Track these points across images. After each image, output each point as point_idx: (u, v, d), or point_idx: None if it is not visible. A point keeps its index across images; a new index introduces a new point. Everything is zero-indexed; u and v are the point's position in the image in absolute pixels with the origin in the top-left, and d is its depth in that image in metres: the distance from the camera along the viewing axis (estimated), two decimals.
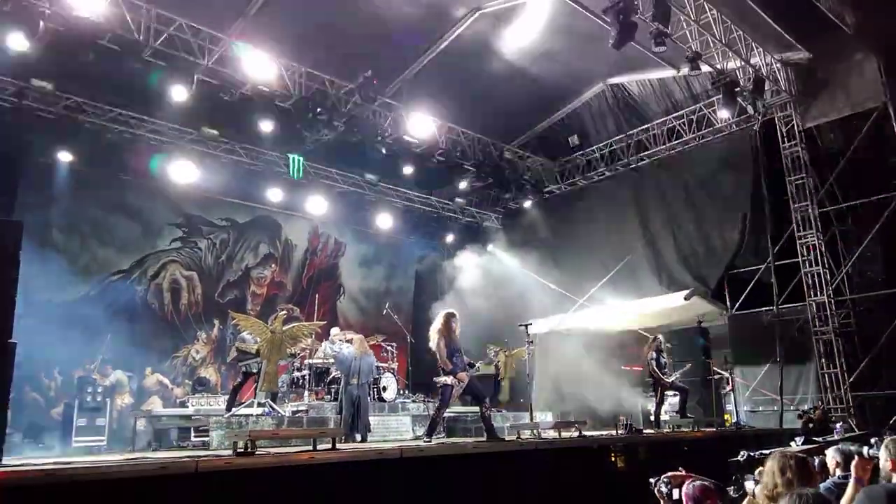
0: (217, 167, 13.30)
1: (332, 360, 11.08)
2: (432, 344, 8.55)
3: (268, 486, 5.64)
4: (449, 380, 8.50)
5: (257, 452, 6.25)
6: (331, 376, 11.04)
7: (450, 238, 16.05)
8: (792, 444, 9.76)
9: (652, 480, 4.24)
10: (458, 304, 15.17)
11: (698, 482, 3.77)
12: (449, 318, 8.66)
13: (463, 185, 14.39)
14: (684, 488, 3.75)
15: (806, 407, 11.30)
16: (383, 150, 12.50)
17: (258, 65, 10.62)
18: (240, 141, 13.59)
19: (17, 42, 8.76)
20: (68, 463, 5.96)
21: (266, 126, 11.21)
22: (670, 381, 11.12)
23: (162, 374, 12.79)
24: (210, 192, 13.92)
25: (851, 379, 11.45)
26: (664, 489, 4.06)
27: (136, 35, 9.75)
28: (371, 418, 9.93)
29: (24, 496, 4.47)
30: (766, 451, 5.59)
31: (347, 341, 11.31)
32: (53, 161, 11.89)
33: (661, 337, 11.44)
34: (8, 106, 11.12)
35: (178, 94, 10.32)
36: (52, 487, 4.60)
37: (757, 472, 4.31)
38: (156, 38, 9.99)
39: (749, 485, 4.37)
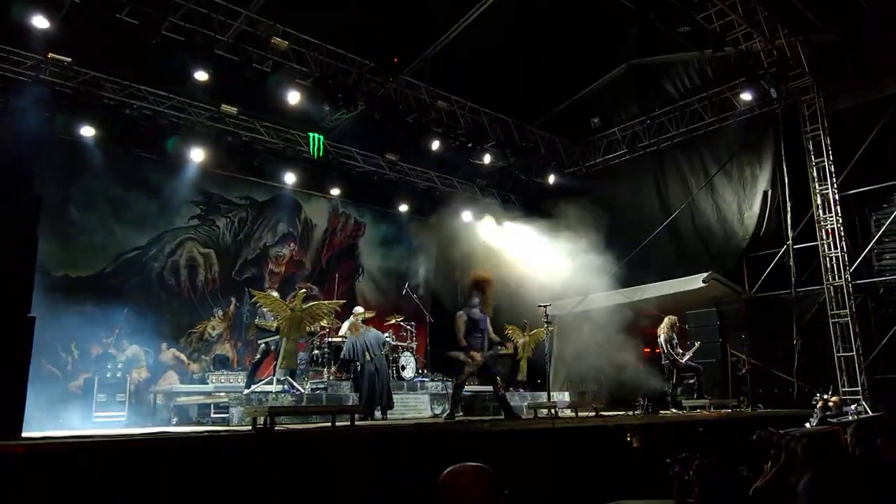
0: (237, 145, 13.30)
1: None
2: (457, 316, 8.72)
3: (287, 460, 5.70)
4: (461, 355, 8.50)
5: (276, 429, 6.32)
6: (342, 356, 11.09)
7: (470, 218, 16.02)
8: (806, 424, 9.80)
9: (669, 461, 4.26)
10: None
11: (706, 461, 3.79)
12: (471, 289, 8.74)
13: (484, 164, 14.34)
14: (694, 467, 3.77)
15: (821, 390, 11.27)
16: (404, 130, 12.44)
17: (278, 41, 10.58)
18: (260, 119, 13.60)
19: (40, 22, 8.86)
20: (89, 436, 6.03)
21: (293, 98, 11.18)
22: (683, 361, 11.14)
23: (178, 350, 12.91)
24: (229, 170, 13.94)
25: (867, 362, 11.42)
26: (678, 470, 4.09)
27: (155, 9, 9.70)
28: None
29: (46, 468, 4.52)
30: (782, 432, 5.60)
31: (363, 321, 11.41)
32: (72, 136, 11.93)
33: (672, 318, 11.42)
34: (26, 80, 11.12)
35: (198, 71, 10.33)
36: (74, 459, 4.65)
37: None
38: (174, 12, 9.95)
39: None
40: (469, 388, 12.69)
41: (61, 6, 9.24)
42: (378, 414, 9.62)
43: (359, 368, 9.70)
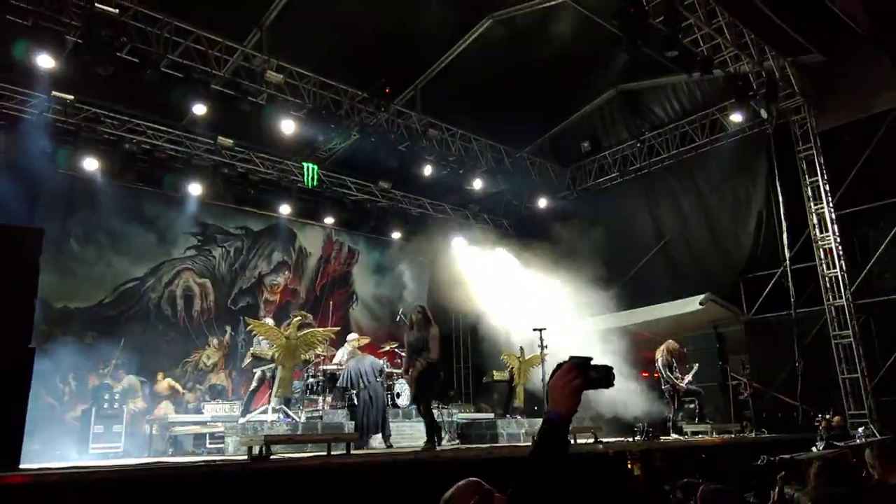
0: (233, 177, 13.41)
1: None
2: None
3: (282, 490, 5.67)
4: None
5: (272, 457, 6.30)
6: (338, 384, 11.06)
7: (463, 244, 16.08)
8: (813, 448, 9.68)
9: (667, 488, 4.24)
10: (472, 311, 15.24)
11: (711, 486, 3.76)
12: (412, 326, 8.79)
13: (476, 190, 14.44)
14: (698, 493, 3.74)
15: (823, 412, 11.16)
16: (397, 158, 12.57)
17: (273, 75, 10.76)
18: (255, 150, 13.75)
19: (45, 61, 9.03)
20: (86, 468, 6.01)
21: (287, 127, 11.33)
22: (683, 385, 11.05)
23: (173, 380, 12.90)
24: (225, 201, 14.09)
25: (873, 383, 11.24)
26: (680, 497, 4.06)
27: (154, 47, 9.90)
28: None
29: (43, 499, 4.51)
30: (786, 456, 5.55)
31: (359, 349, 11.46)
32: (72, 171, 12.08)
33: (670, 342, 11.36)
34: (28, 117, 11.31)
35: (196, 105, 10.51)
36: (70, 490, 4.64)
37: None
38: (173, 49, 10.16)
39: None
40: (465, 416, 12.63)
41: (64, 45, 9.42)
42: (375, 443, 9.55)
43: (354, 396, 9.68)
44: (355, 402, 9.71)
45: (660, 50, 10.19)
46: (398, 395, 11.82)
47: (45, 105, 11.30)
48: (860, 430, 10.51)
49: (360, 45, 11.68)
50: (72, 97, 11.07)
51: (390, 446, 9.52)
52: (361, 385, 9.64)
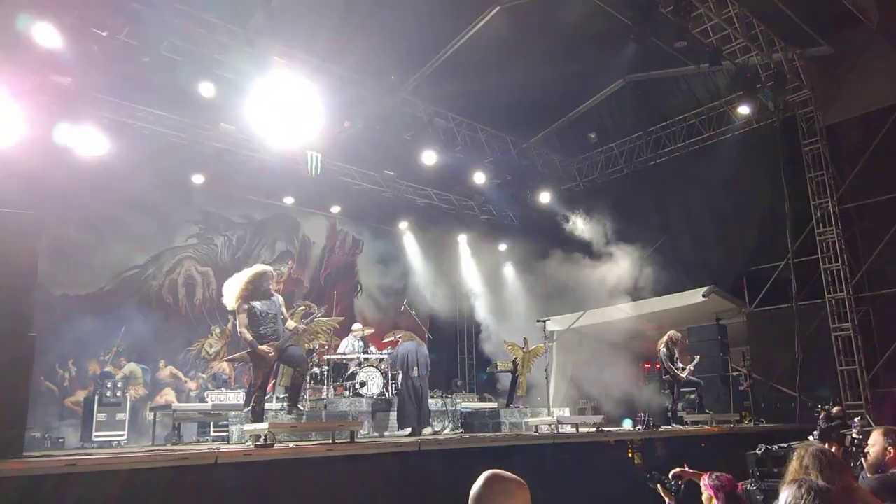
0: (235, 164, 13.33)
1: (352, 356, 11.16)
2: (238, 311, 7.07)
3: (287, 477, 5.67)
4: (245, 354, 7.16)
5: (276, 445, 6.29)
6: (349, 371, 11.07)
7: (468, 235, 16.04)
8: (809, 438, 9.72)
9: (653, 474, 4.19)
10: (476, 300, 15.19)
11: (722, 474, 3.74)
12: (258, 275, 7.18)
13: (481, 181, 14.37)
14: (708, 480, 3.71)
15: (823, 403, 11.21)
16: (402, 147, 12.51)
17: (276, 60, 10.66)
18: (258, 138, 13.61)
19: (43, 37, 8.79)
20: (89, 455, 6.00)
21: (291, 116, 11.22)
22: (684, 376, 11.08)
23: (175, 367, 12.90)
24: (228, 188, 13.99)
25: (870, 375, 11.35)
26: (670, 485, 4.04)
27: (153, 29, 9.78)
28: (389, 413, 10.05)
29: (46, 487, 4.49)
30: (784, 445, 5.55)
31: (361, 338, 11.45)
32: (72, 156, 11.96)
33: (672, 332, 11.38)
34: (28, 102, 11.18)
35: (197, 90, 10.40)
36: (74, 478, 4.62)
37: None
38: (174, 32, 10.02)
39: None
40: (468, 405, 12.65)
41: (63, 25, 9.30)
42: (428, 429, 9.66)
43: (404, 381, 9.73)
44: (414, 385, 9.69)
45: (669, 40, 10.15)
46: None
47: (43, 89, 11.15)
48: (856, 419, 10.57)
49: (365, 31, 11.57)
50: (69, 80, 10.94)
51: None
52: (416, 374, 9.67)
